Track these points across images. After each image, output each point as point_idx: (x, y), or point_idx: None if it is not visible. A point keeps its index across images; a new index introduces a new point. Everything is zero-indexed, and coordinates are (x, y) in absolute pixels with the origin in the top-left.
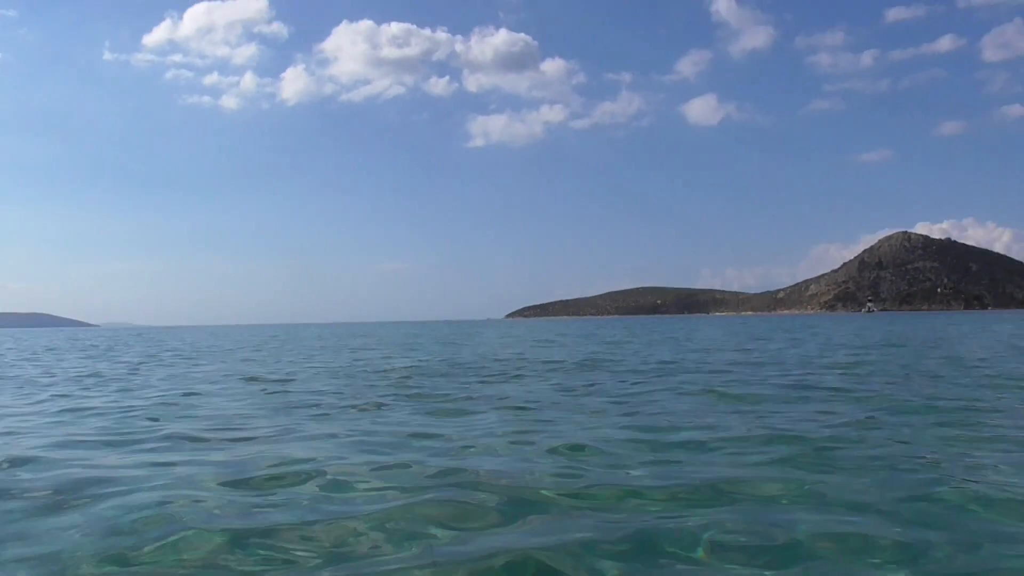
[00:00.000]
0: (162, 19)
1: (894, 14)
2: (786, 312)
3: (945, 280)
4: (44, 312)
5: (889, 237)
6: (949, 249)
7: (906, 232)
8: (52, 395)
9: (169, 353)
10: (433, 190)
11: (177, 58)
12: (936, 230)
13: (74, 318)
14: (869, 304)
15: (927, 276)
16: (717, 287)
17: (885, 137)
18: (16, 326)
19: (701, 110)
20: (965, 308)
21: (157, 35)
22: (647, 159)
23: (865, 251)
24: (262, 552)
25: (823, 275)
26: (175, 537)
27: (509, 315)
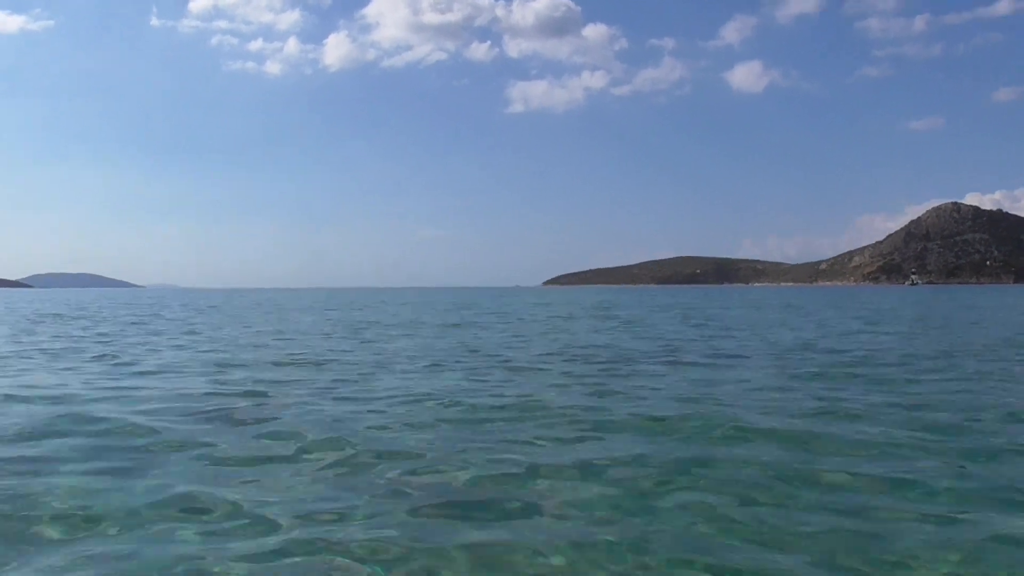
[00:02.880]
0: None
1: None
2: (827, 284)
3: (995, 252)
4: (93, 272)
5: (937, 208)
6: (1000, 220)
7: (955, 203)
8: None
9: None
10: (473, 156)
11: (222, 24)
12: (987, 200)
13: (122, 279)
14: (913, 276)
15: (976, 248)
16: (758, 257)
17: (936, 104)
18: (66, 286)
19: (745, 77)
20: (1015, 281)
21: (203, 1)
22: (689, 127)
23: (912, 222)
24: None
25: (867, 246)
26: None
27: (546, 283)
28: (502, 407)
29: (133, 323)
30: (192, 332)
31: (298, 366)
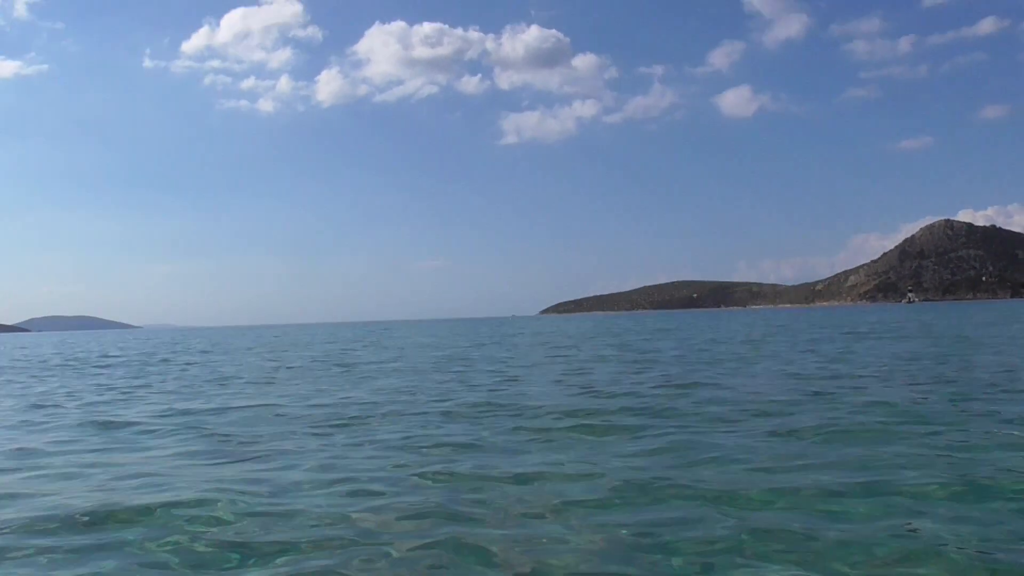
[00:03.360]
0: (200, 25)
1: None
2: (824, 304)
3: (990, 268)
4: (89, 315)
5: (931, 225)
6: (993, 236)
7: (948, 220)
8: None
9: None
10: (468, 187)
11: (215, 63)
12: (980, 217)
13: (118, 320)
14: (909, 294)
15: (971, 264)
16: (753, 280)
17: (925, 123)
18: (64, 328)
19: (735, 102)
20: (1012, 296)
21: (196, 42)
22: (681, 152)
23: (906, 240)
24: None
25: (862, 265)
26: None
27: (544, 311)
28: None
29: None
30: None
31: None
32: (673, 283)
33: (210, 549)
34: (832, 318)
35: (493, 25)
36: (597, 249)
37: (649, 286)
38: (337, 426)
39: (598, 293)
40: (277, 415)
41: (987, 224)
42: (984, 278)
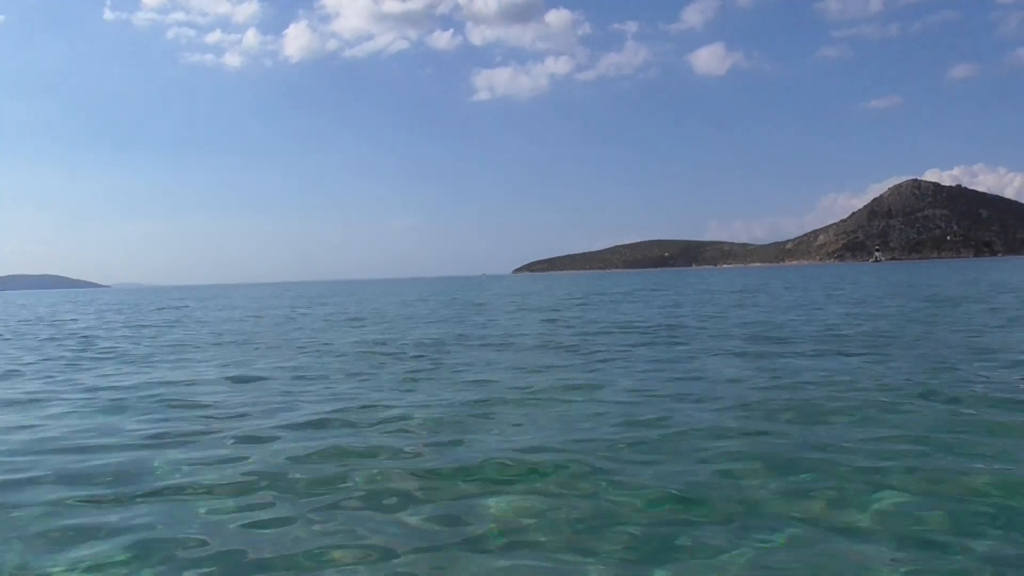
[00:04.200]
0: None
1: None
2: (794, 263)
3: (955, 227)
4: (55, 273)
5: (898, 185)
6: (959, 196)
7: (916, 179)
8: None
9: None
10: (440, 145)
11: (179, 16)
12: (946, 177)
13: (85, 279)
14: (876, 253)
15: (936, 224)
16: (725, 239)
17: (894, 83)
18: (27, 288)
19: (708, 60)
20: (975, 255)
21: None
22: (654, 111)
23: (874, 200)
24: None
25: (831, 225)
26: None
27: (516, 270)
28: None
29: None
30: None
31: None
32: (645, 242)
33: None
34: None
35: None
36: (569, 208)
37: (621, 245)
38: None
39: (570, 252)
40: None
41: (953, 184)
42: (948, 237)
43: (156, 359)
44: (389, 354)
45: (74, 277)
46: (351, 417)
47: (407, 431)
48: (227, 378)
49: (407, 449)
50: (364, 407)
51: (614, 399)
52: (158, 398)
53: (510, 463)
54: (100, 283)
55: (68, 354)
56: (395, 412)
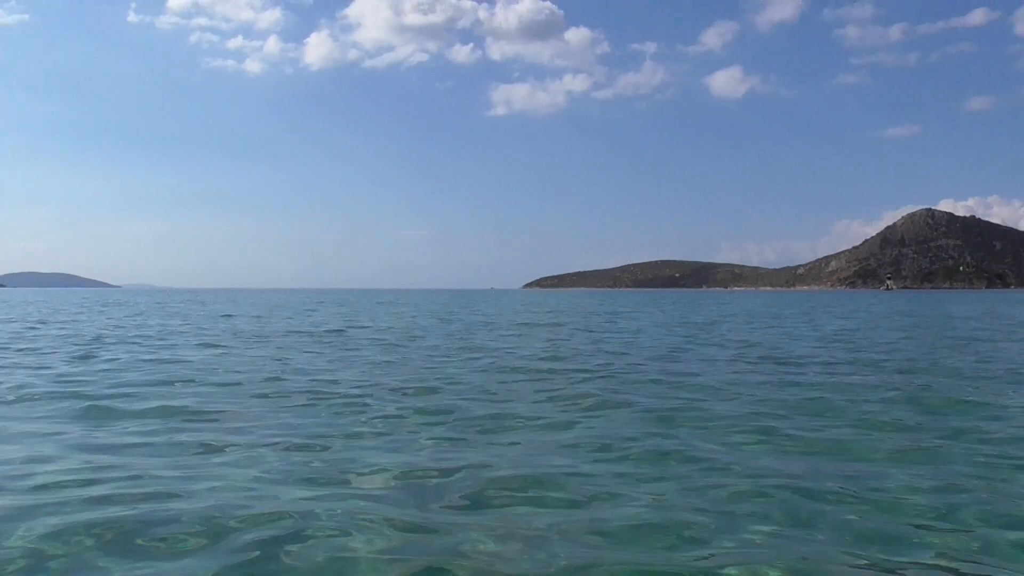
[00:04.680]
0: None
1: None
2: (804, 288)
3: (968, 258)
4: (67, 272)
5: (912, 214)
6: (973, 227)
7: (930, 209)
8: None
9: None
10: (455, 158)
11: (202, 21)
12: (961, 207)
13: (96, 279)
14: (888, 282)
15: (949, 254)
16: (736, 261)
17: (912, 112)
18: (40, 285)
19: (726, 82)
20: (988, 287)
21: None
22: (670, 131)
23: (887, 228)
24: None
25: (844, 251)
26: None
27: (526, 285)
28: None
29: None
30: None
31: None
32: (656, 262)
33: None
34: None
35: None
36: (581, 225)
37: (632, 264)
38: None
39: (581, 269)
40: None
41: (967, 215)
42: (961, 268)
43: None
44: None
45: (86, 276)
46: None
47: None
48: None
49: None
50: None
51: None
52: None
53: None
54: (111, 283)
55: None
56: None
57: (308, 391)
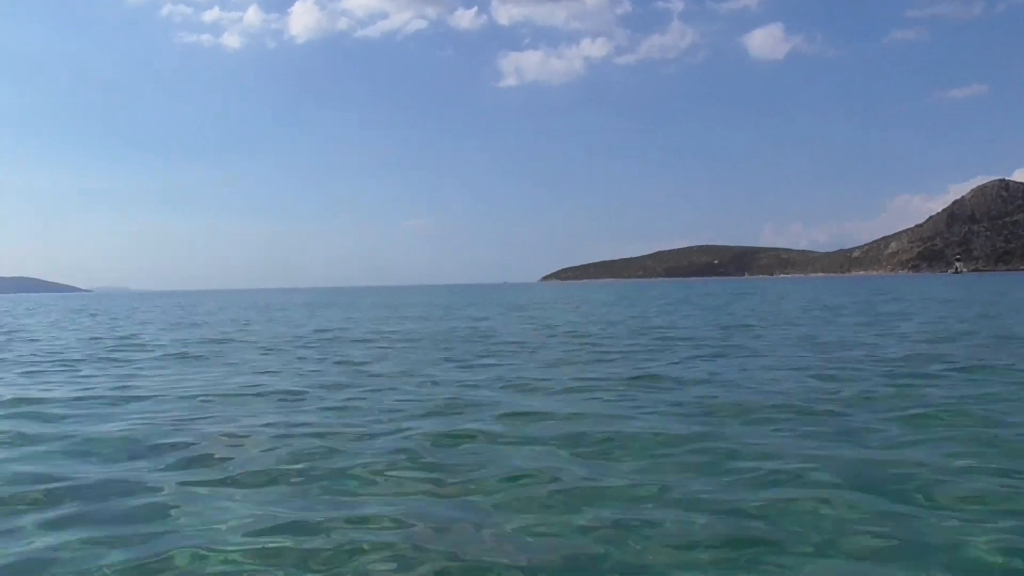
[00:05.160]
0: None
1: None
2: (861, 273)
3: None
4: (30, 276)
5: (983, 186)
6: None
7: (1003, 180)
8: None
9: None
10: (461, 136)
11: None
12: None
13: (63, 282)
14: (957, 264)
15: None
16: (782, 245)
17: (978, 70)
18: (3, 291)
19: (764, 42)
20: None
21: None
22: (703, 99)
23: (955, 202)
24: None
25: (904, 231)
26: None
27: (544, 278)
28: None
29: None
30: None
31: None
32: (691, 248)
33: None
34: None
35: None
36: (605, 209)
37: (664, 251)
38: None
39: (606, 258)
40: None
41: None
42: None
43: None
44: None
45: (51, 280)
46: None
47: None
48: None
49: None
50: None
51: None
52: None
53: None
54: (80, 287)
55: None
56: None
57: None
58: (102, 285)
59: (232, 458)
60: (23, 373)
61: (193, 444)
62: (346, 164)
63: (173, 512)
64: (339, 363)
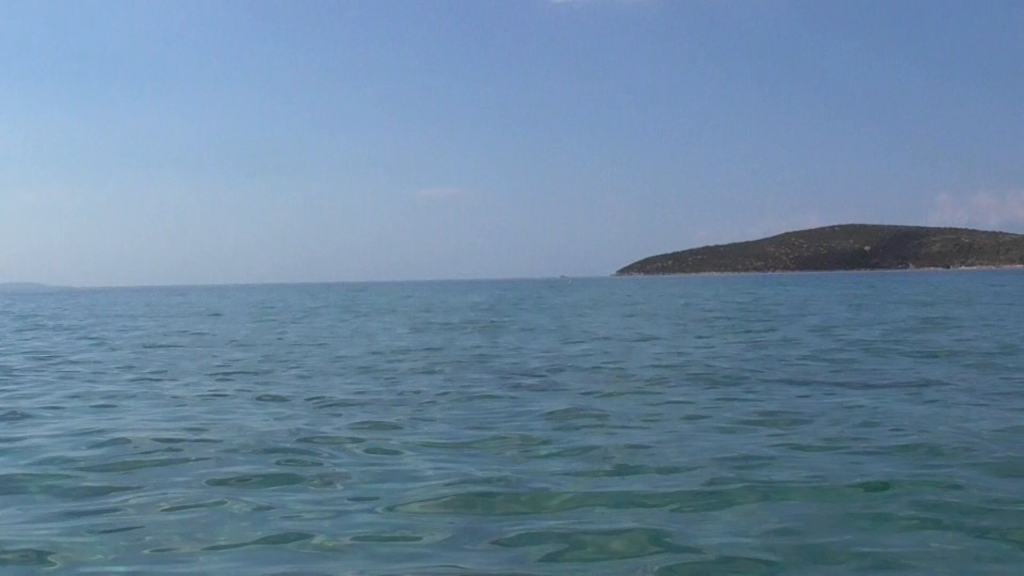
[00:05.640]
0: None
1: None
2: None
3: None
4: None
5: None
6: None
7: None
8: None
9: None
10: (497, 73)
11: None
12: None
13: None
14: None
15: None
16: (962, 225)
17: None
18: None
19: None
20: None
21: None
22: (838, 18)
23: None
24: None
25: None
26: None
27: (621, 271)
28: None
29: None
30: None
31: None
32: (831, 229)
33: None
34: None
35: None
36: (706, 175)
37: (792, 233)
38: None
39: (710, 243)
40: None
41: None
42: None
43: None
44: None
45: None
46: None
47: None
48: None
49: None
50: None
51: None
52: None
53: None
54: None
55: None
56: None
57: None
58: (13, 280)
59: None
60: None
61: None
62: (337, 106)
63: None
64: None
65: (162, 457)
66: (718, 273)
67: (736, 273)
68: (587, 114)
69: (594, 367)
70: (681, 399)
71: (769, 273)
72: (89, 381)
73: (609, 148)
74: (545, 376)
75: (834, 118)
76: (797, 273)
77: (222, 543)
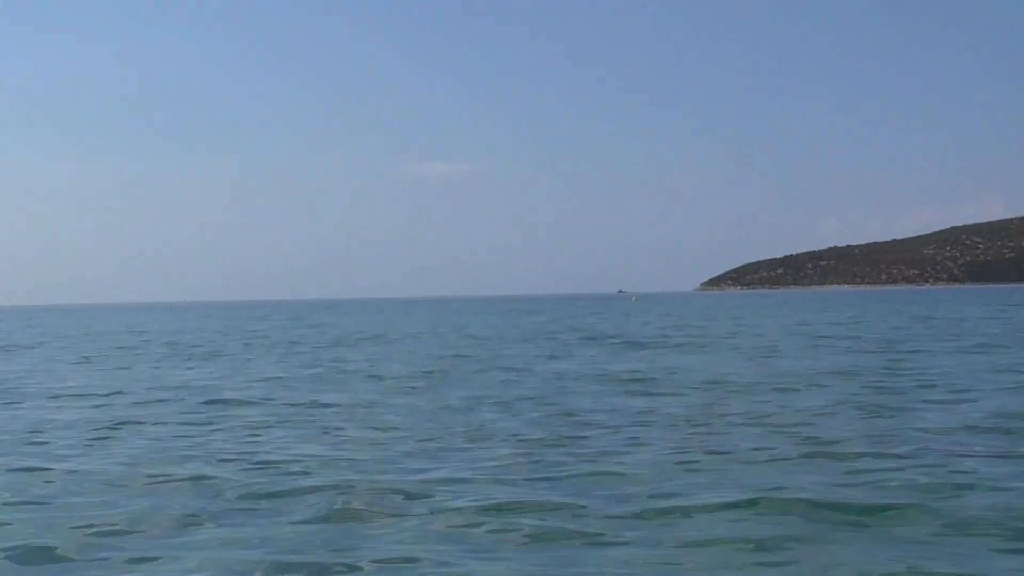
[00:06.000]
0: None
1: None
2: None
3: None
4: None
5: None
6: None
7: None
8: None
9: None
10: (517, 20)
11: None
12: None
13: None
14: None
15: None
16: None
17: None
18: None
19: None
20: None
21: None
22: None
23: None
24: None
25: None
26: None
27: (706, 283)
28: None
29: None
30: None
31: None
32: (1018, 221)
33: None
34: None
35: None
36: (833, 143)
37: (959, 228)
38: None
39: (839, 243)
40: None
41: None
42: None
43: None
44: None
45: None
46: None
47: None
48: None
49: None
50: None
51: None
52: None
53: None
54: None
55: None
56: None
57: None
58: None
59: None
60: None
61: None
62: (327, 71)
63: None
64: None
65: None
66: (850, 286)
67: (878, 287)
68: (637, 71)
69: None
70: None
71: (928, 287)
72: None
73: (669, 116)
74: None
75: (1008, 62)
76: (971, 287)
77: None
